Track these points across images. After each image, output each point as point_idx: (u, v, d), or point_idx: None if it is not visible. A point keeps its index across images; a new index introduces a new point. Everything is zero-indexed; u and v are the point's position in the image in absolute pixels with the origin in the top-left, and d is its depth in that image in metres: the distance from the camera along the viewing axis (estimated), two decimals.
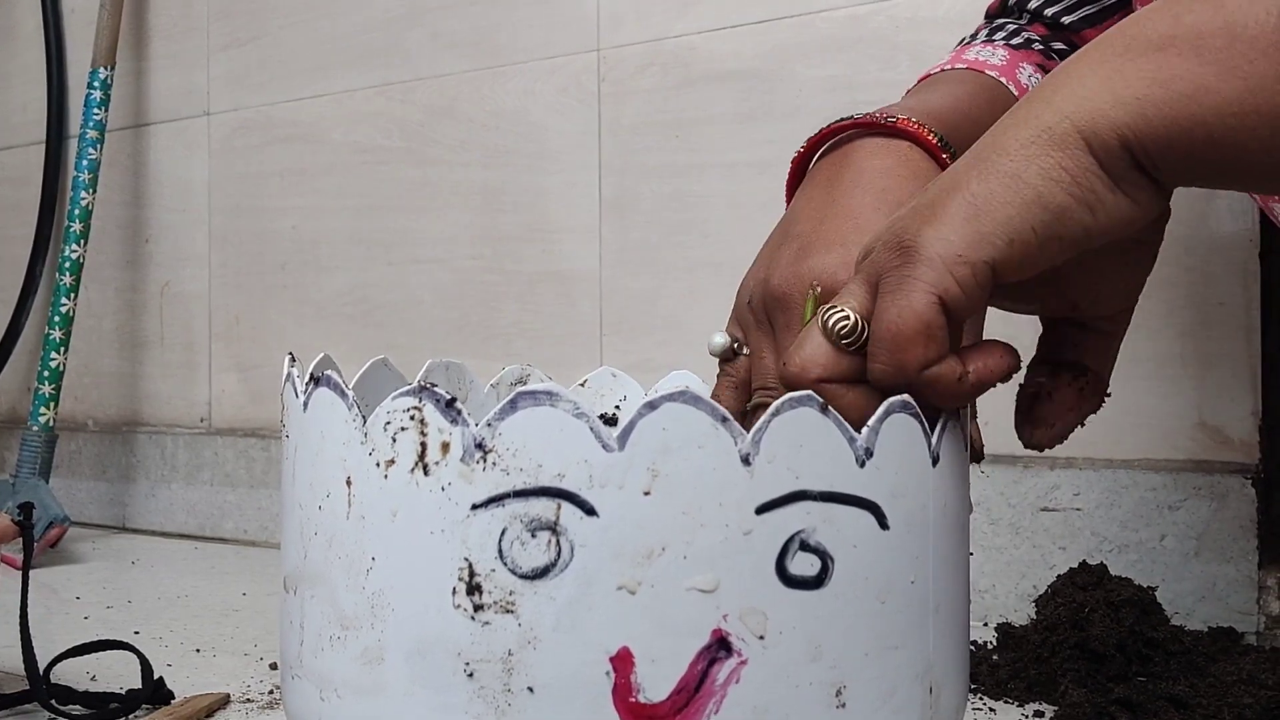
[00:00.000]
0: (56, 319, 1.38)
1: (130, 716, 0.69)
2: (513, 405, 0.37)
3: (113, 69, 1.43)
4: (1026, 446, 0.45)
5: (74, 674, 0.75)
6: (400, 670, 0.39)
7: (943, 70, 0.69)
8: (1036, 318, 0.46)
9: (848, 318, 0.41)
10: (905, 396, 0.40)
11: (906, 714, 0.41)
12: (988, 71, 0.68)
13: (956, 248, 0.38)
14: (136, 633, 0.90)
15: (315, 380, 0.42)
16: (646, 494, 0.37)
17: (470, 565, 0.38)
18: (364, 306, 1.32)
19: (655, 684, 0.37)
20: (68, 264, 1.39)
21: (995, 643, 0.80)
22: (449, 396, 0.38)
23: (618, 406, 0.61)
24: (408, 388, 0.39)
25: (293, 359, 0.46)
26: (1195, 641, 0.76)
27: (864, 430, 0.39)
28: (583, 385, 0.62)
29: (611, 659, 0.37)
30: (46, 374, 1.37)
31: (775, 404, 0.38)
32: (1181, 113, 0.37)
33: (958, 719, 0.44)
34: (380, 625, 0.39)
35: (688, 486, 0.37)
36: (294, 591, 0.43)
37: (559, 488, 0.37)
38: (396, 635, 0.39)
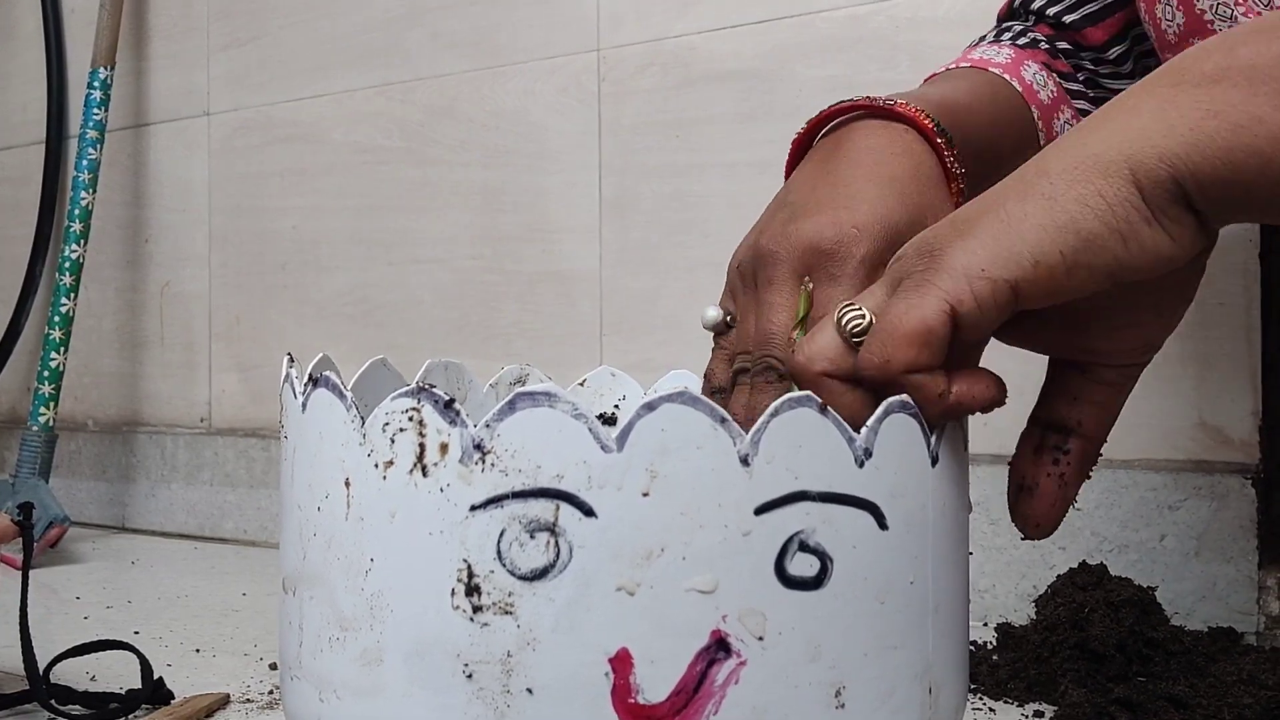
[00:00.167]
0: (56, 319, 1.38)
1: (130, 716, 0.69)
2: (511, 406, 0.37)
3: (113, 69, 1.43)
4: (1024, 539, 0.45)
5: (74, 674, 0.75)
6: (399, 671, 0.39)
7: (948, 69, 0.70)
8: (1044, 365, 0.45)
9: (863, 316, 0.41)
10: (904, 397, 0.40)
11: (906, 714, 0.40)
12: (991, 68, 0.68)
13: (981, 261, 0.38)
14: (136, 633, 0.90)
15: (313, 381, 0.42)
16: (645, 495, 0.37)
17: (469, 566, 0.38)
18: (364, 306, 1.32)
19: (654, 685, 0.37)
20: (68, 264, 1.39)
21: (995, 643, 0.79)
22: (447, 397, 0.38)
23: (617, 406, 0.61)
24: (406, 389, 0.39)
25: (291, 359, 0.45)
26: (1195, 641, 0.76)
27: (863, 430, 0.39)
28: (582, 385, 0.62)
29: (610, 660, 0.37)
30: (46, 374, 1.37)
31: (774, 404, 0.38)
32: (1235, 143, 0.37)
33: (957, 719, 0.44)
34: (379, 626, 0.39)
35: (686, 487, 0.37)
36: (293, 592, 0.43)
37: (558, 489, 0.37)
38: (395, 636, 0.39)
